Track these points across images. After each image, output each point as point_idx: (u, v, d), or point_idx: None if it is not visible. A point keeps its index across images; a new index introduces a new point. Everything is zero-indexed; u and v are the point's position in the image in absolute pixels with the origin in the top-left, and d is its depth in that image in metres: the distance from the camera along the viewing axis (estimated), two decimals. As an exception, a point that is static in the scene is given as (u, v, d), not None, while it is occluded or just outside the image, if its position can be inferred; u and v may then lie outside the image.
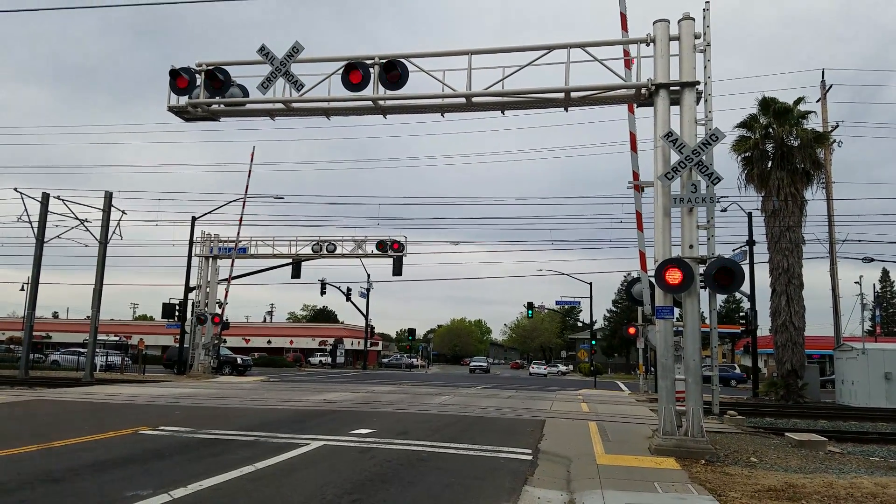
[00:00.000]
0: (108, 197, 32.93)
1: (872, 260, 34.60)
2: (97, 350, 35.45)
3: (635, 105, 12.92)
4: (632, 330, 33.94)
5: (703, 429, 11.14)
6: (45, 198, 32.37)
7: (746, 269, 30.30)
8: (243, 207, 35.36)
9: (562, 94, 12.84)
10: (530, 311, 62.65)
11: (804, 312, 29.00)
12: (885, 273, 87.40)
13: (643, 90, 12.26)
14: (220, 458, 9.67)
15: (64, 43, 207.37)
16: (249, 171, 35.97)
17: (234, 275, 37.17)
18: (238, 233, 36.41)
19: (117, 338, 51.32)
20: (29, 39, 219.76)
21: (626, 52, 12.55)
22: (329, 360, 68.14)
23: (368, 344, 69.48)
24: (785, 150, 29.59)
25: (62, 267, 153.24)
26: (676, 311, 11.63)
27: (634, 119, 12.92)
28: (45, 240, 32.23)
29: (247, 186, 35.09)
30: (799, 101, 30.35)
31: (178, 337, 39.18)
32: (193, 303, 38.18)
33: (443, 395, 25.32)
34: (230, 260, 37.39)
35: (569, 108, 13.28)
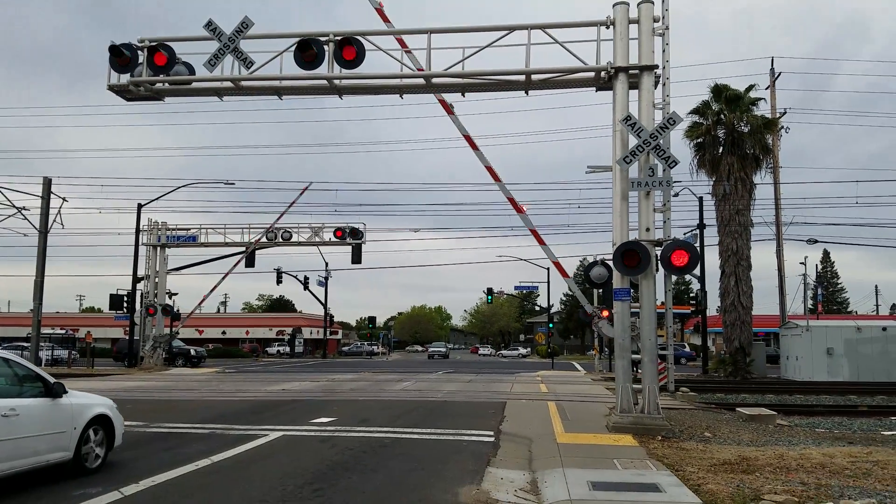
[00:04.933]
0: (48, 183, 31.57)
1: (816, 241, 35.48)
2: (42, 344, 34.18)
3: (594, 90, 12.91)
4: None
5: (659, 406, 11.35)
6: (-20, 185, 30.93)
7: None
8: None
9: (522, 77, 12.70)
10: (490, 297, 62.98)
11: (752, 292, 29.91)
12: (826, 254, 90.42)
13: (603, 73, 12.26)
14: (174, 451, 9.40)
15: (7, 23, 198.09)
16: (293, 201, 35.63)
17: (184, 265, 36.43)
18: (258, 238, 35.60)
19: (63, 331, 49.59)
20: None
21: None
22: (287, 349, 67.29)
23: (328, 332, 68.87)
24: (735, 136, 30.26)
25: (1, 258, 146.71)
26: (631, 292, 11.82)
27: (458, 119, 13.00)
28: (-17, 230, 30.90)
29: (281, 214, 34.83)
30: (750, 88, 31.04)
31: (127, 329, 38.06)
32: (142, 293, 37.08)
33: (404, 381, 25.25)
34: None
35: (529, 91, 13.13)
